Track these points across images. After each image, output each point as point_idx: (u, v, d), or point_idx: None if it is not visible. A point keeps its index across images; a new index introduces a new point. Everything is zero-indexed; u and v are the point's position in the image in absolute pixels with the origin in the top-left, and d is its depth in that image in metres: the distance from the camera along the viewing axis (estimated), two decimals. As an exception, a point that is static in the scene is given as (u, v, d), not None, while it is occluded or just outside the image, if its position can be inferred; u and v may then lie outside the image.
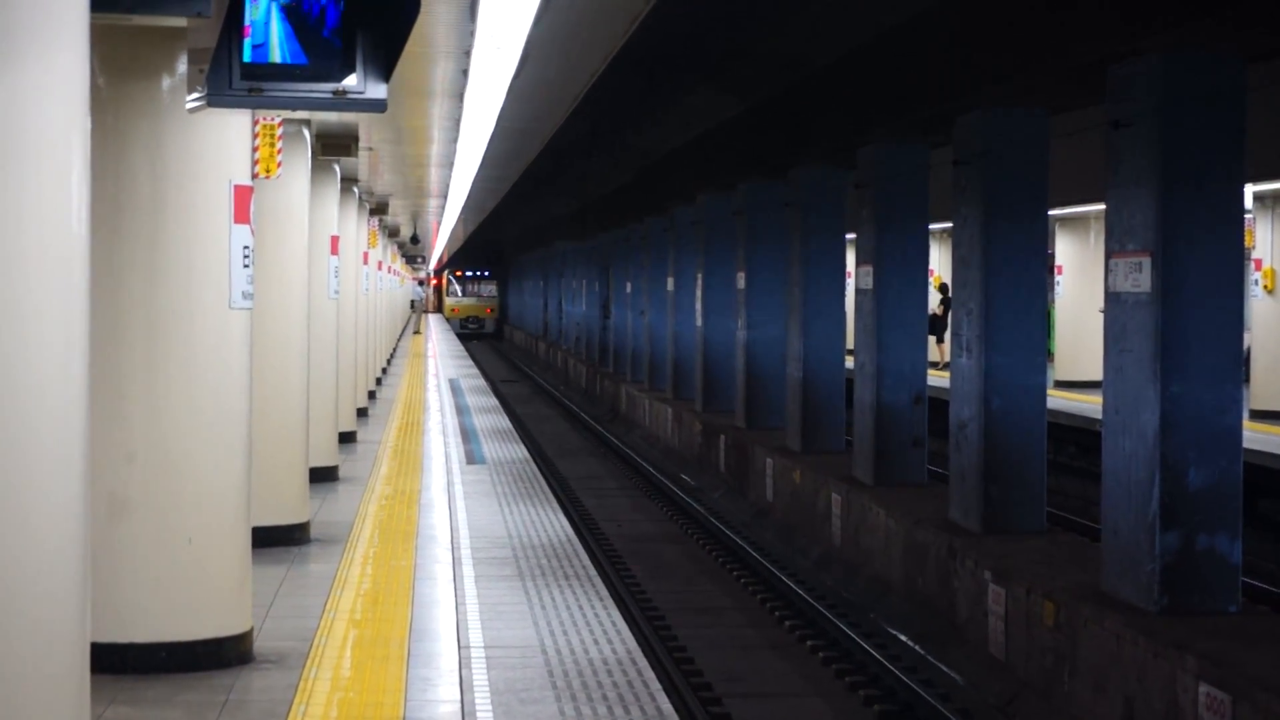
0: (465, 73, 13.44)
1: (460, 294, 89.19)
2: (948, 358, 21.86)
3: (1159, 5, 11.32)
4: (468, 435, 25.17)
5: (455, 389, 36.40)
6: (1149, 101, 11.83)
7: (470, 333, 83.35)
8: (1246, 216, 23.53)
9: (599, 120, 26.39)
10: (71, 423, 4.99)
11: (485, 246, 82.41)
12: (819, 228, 21.79)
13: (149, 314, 9.18)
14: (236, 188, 9.39)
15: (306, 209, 14.40)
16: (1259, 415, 23.92)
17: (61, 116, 4.91)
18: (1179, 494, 11.76)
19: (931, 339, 31.01)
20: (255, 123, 10.91)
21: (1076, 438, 24.39)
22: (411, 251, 64.03)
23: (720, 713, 13.44)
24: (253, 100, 7.70)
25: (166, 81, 9.09)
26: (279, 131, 12.25)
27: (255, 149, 10.80)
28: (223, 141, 9.36)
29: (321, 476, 17.01)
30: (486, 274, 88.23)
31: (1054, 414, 19.49)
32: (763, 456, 22.60)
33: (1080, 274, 31.40)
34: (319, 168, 17.04)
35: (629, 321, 39.39)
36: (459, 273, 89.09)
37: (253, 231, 9.55)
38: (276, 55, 7.58)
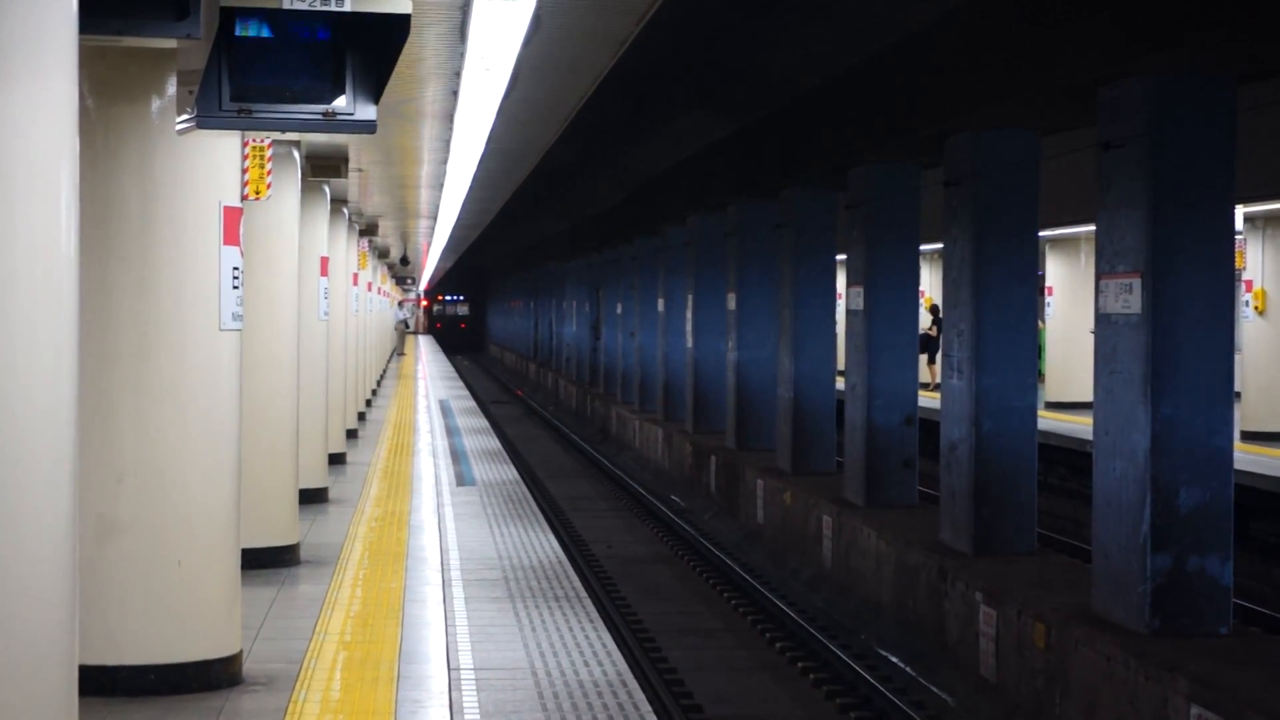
0: (455, 94, 13.44)
1: (443, 313, 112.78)
2: (939, 379, 21.85)
3: (1150, 26, 11.33)
4: (458, 456, 25.15)
5: (445, 410, 36.39)
6: (1139, 122, 11.84)
7: (448, 342, 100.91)
8: (1237, 238, 23.57)
9: (589, 141, 26.45)
10: (60, 443, 4.97)
11: (474, 268, 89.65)
12: (810, 249, 21.80)
13: (138, 335, 9.17)
14: (226, 209, 9.38)
15: (296, 230, 14.39)
16: (1250, 437, 23.93)
17: (51, 138, 4.90)
18: (1170, 515, 11.75)
19: (922, 359, 31.05)
20: (245, 144, 10.90)
21: (1067, 459, 24.38)
22: (401, 273, 64.00)
23: (711, 735, 13.43)
24: (242, 121, 7.68)
25: (156, 103, 9.09)
26: (268, 153, 12.24)
27: (245, 170, 10.79)
28: (212, 163, 9.34)
29: (311, 498, 16.99)
30: (461, 298, 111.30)
31: (1045, 435, 19.51)
32: (753, 478, 22.58)
33: (1071, 295, 31.43)
34: (309, 189, 17.02)
35: (619, 342, 39.39)
36: (440, 297, 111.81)
37: (242, 253, 9.53)
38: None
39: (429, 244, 44.65)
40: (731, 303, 25.42)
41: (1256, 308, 24.82)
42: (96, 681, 8.80)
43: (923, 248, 20.24)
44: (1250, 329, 24.87)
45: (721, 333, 27.07)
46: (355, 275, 27.16)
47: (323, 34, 7.55)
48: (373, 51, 7.66)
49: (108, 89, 9.03)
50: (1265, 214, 24.47)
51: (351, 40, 7.60)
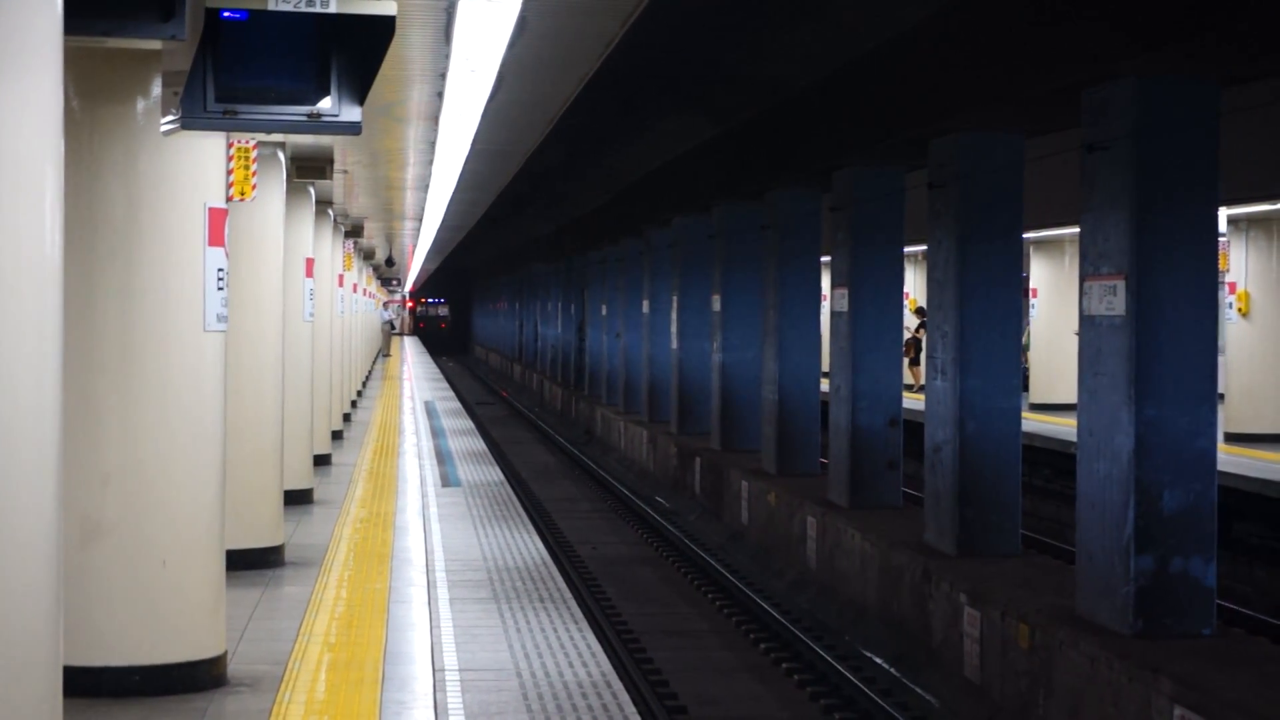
0: (440, 95, 13.45)
1: (425, 314, 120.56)
2: (923, 380, 21.88)
3: (1134, 29, 11.36)
4: (443, 458, 25.15)
5: (430, 411, 36.38)
6: (1124, 125, 11.86)
7: (432, 343, 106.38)
8: (1220, 240, 23.64)
9: (575, 143, 26.42)
10: (45, 445, 4.98)
11: (460, 269, 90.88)
12: (795, 250, 21.82)
13: (123, 337, 9.16)
14: (211, 210, 9.38)
15: (281, 232, 14.38)
16: (1234, 438, 23.98)
17: (35, 139, 4.90)
18: (1153, 517, 11.78)
19: (904, 361, 31.04)
20: (230, 145, 10.90)
21: (1051, 460, 24.42)
22: (387, 274, 63.93)
23: (695, 736, 13.44)
24: (227, 122, 7.68)
25: (141, 104, 9.08)
26: (253, 154, 12.24)
27: (230, 171, 10.78)
28: (197, 164, 9.34)
29: (296, 499, 16.98)
30: (442, 300, 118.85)
31: (1029, 437, 19.53)
32: (738, 479, 22.60)
33: (1055, 297, 31.48)
34: (294, 190, 17.02)
35: (604, 344, 39.40)
36: (422, 300, 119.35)
37: (227, 254, 9.53)
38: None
39: (414, 246, 44.64)
40: (716, 304, 25.44)
41: (1240, 310, 24.87)
42: (81, 683, 8.79)
43: (907, 250, 20.26)
44: (1234, 331, 24.92)
45: (706, 334, 27.08)
46: (340, 277, 27.15)
47: (308, 35, 7.56)
48: (358, 53, 7.67)
49: (93, 90, 9.03)
50: (1249, 216, 24.53)
51: (336, 42, 7.61)
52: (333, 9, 7.40)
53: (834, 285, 19.26)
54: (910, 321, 34.53)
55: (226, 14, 7.40)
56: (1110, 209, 12.03)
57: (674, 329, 28.94)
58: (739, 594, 18.73)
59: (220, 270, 9.42)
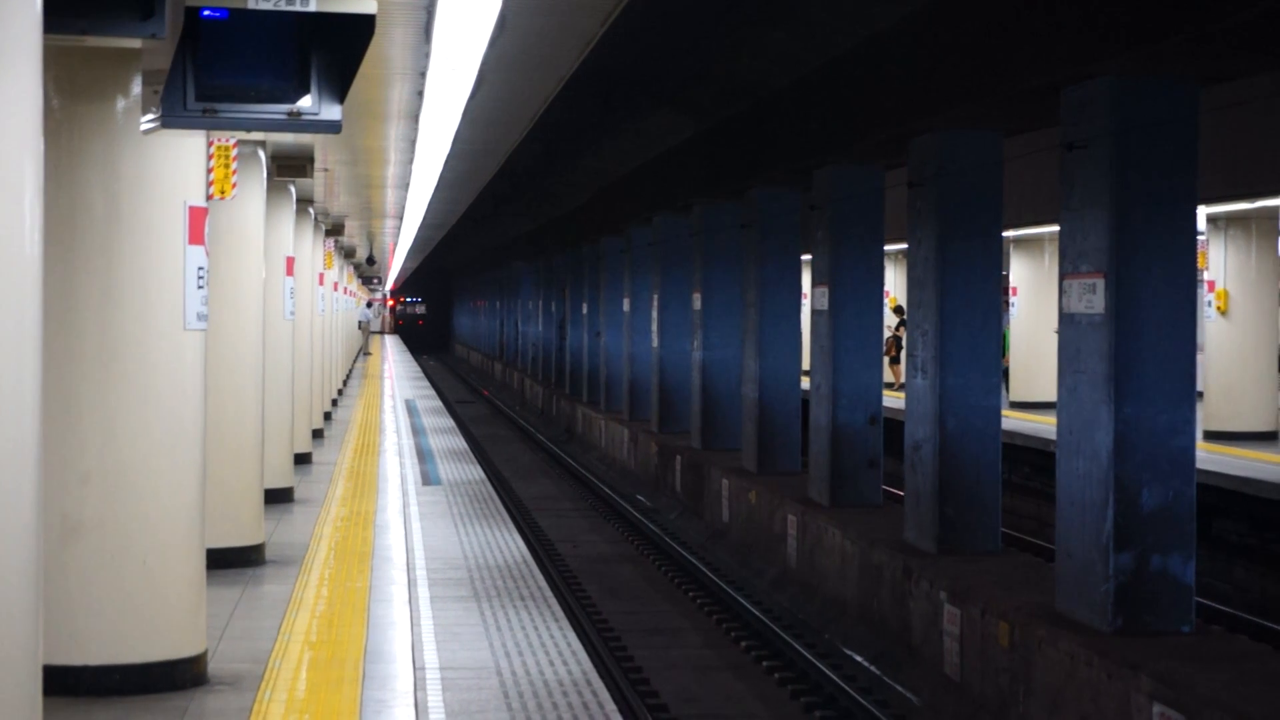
0: (420, 94, 13.45)
1: (404, 312, 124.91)
2: (903, 379, 21.89)
3: (1113, 28, 11.38)
4: (423, 456, 25.13)
5: (411, 410, 36.35)
6: (1103, 124, 11.89)
7: (412, 341, 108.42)
8: (1199, 238, 23.70)
9: (555, 142, 26.44)
10: (25, 443, 4.97)
11: (441, 267, 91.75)
12: (775, 249, 21.83)
13: (103, 335, 9.15)
14: (191, 209, 9.37)
15: (262, 230, 14.37)
16: (1212, 436, 24.03)
17: (15, 137, 4.90)
18: (1132, 515, 11.80)
19: (884, 359, 31.05)
20: (210, 143, 10.89)
21: (1031, 458, 24.46)
22: (368, 272, 63.88)
23: (676, 734, 13.44)
24: (207, 121, 7.68)
25: (121, 102, 9.07)
26: (234, 152, 12.23)
27: (210, 170, 10.78)
28: (177, 162, 9.33)
29: (277, 498, 16.97)
30: (419, 300, 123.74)
31: (1009, 435, 19.56)
32: (719, 477, 22.61)
33: (1035, 295, 31.52)
34: (274, 189, 17.00)
35: (585, 342, 39.39)
36: (401, 299, 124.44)
37: (207, 252, 9.52)
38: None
39: (395, 244, 44.61)
40: (697, 303, 25.45)
41: (1218, 308, 24.92)
42: (61, 682, 8.78)
43: (887, 248, 20.28)
44: (1212, 329, 24.98)
45: (687, 333, 27.09)
46: (321, 275, 27.12)
47: (288, 34, 7.55)
48: (338, 51, 7.67)
49: (73, 88, 9.02)
50: (1227, 215, 24.59)
51: (316, 40, 7.60)
52: (313, 7, 7.40)
53: (814, 283, 19.28)
54: (890, 320, 34.57)
55: (206, 12, 7.39)
56: (1089, 207, 12.05)
57: (655, 327, 28.95)
58: (719, 592, 18.75)
59: (200, 269, 9.41)
